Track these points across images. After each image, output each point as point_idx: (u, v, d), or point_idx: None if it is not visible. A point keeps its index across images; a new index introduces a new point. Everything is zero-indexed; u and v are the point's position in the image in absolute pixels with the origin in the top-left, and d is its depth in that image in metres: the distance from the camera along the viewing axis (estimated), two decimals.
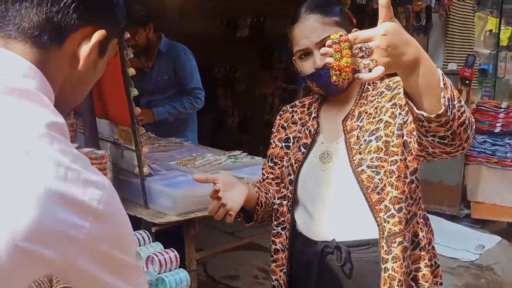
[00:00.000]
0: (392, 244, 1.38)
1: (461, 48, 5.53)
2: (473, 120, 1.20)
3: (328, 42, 1.04)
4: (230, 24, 6.74)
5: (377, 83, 1.52)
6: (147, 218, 2.27)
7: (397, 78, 1.39)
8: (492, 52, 7.05)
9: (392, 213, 1.39)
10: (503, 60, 7.00)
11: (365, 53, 1.01)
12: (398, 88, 1.42)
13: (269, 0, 6.01)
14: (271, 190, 1.66)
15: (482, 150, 4.78)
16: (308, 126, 1.58)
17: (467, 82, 4.68)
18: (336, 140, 1.51)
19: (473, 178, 4.81)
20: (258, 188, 1.62)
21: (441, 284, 1.54)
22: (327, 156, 1.51)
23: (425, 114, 1.10)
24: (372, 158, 1.40)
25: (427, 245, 1.48)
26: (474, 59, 4.82)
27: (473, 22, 5.72)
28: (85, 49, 0.83)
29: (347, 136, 1.47)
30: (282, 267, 1.58)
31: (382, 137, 1.41)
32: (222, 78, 7.08)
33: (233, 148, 3.28)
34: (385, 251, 1.39)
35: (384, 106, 1.44)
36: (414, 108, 1.12)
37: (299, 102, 1.69)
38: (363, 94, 1.51)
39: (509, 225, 4.85)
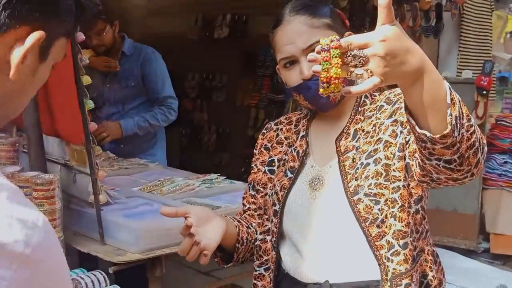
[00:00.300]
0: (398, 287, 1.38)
1: (477, 52, 5.62)
2: (484, 142, 1.21)
3: (317, 48, 1.04)
4: (207, 23, 6.79)
5: (375, 96, 1.53)
6: (104, 256, 2.24)
7: (399, 90, 1.38)
8: None
9: (397, 250, 1.39)
10: None
11: (359, 62, 1.01)
12: (400, 102, 1.42)
13: None
14: (253, 224, 1.66)
15: (503, 172, 4.82)
16: (296, 147, 1.59)
17: (485, 92, 4.75)
18: (328, 162, 1.52)
19: (492, 206, 4.84)
20: (238, 221, 1.62)
21: None
22: (318, 181, 1.51)
23: (428, 134, 1.10)
24: (371, 185, 1.41)
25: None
26: (492, 66, 4.89)
27: (491, 22, 5.83)
28: (16, 54, 0.79)
29: (341, 158, 1.48)
30: None
31: (381, 159, 1.42)
32: (196, 87, 7.11)
33: (208, 170, 3.28)
34: None
35: (383, 123, 1.45)
36: (416, 127, 1.12)
37: (285, 119, 1.70)
38: (360, 109, 1.52)
39: None
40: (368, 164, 1.43)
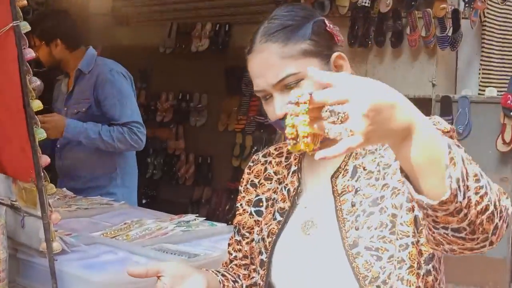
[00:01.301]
0: None
1: (502, 67, 5.64)
2: (505, 203, 1.18)
3: (288, 98, 1.03)
4: (183, 34, 6.85)
5: None
6: None
7: None
8: None
9: None
10: None
11: (338, 118, 0.97)
12: None
13: (235, 2, 6.12)
14: (241, 276, 1.66)
15: None
16: (287, 184, 1.60)
17: None
18: (324, 203, 1.52)
19: None
20: (223, 275, 1.63)
21: None
22: (312, 226, 1.51)
23: (425, 201, 1.08)
24: (373, 237, 1.40)
25: None
26: None
27: None
28: None
29: (338, 201, 1.48)
30: None
31: (387, 208, 1.41)
32: (171, 109, 7.11)
33: (185, 209, 3.28)
34: None
35: (390, 165, 1.44)
36: (413, 191, 1.10)
37: (275, 149, 1.71)
38: None
39: None
40: (372, 213, 1.42)
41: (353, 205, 1.46)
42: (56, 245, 2.32)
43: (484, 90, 5.25)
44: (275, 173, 1.65)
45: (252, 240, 1.63)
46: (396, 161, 1.36)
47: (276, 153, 1.69)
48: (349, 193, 1.47)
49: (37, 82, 2.29)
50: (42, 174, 2.26)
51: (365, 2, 5.38)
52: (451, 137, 1.30)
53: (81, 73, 3.65)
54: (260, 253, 1.57)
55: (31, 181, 2.30)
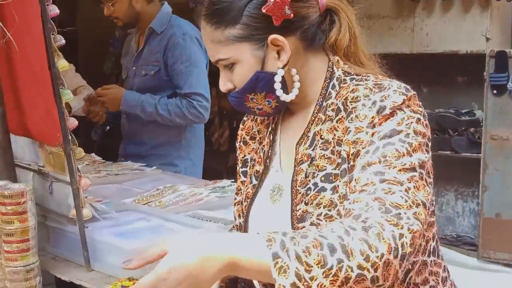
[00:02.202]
0: None
1: None
2: (383, 249, 1.20)
3: None
4: None
5: (345, 80, 1.51)
6: (90, 285, 2.27)
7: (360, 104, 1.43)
8: None
9: None
10: None
11: None
12: (356, 142, 1.42)
13: None
14: None
15: None
16: (264, 145, 1.63)
17: None
18: (289, 171, 1.54)
19: None
20: None
21: None
22: (278, 191, 1.55)
23: None
24: (320, 215, 1.43)
25: None
26: None
27: None
28: None
29: (295, 171, 1.51)
30: None
31: (339, 188, 1.43)
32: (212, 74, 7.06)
33: (220, 175, 3.29)
34: None
35: (342, 140, 1.45)
36: None
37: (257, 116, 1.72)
38: (324, 103, 1.52)
39: None
40: (324, 189, 1.44)
41: (306, 176, 1.48)
42: (86, 212, 2.35)
43: None
44: (258, 131, 1.68)
45: (239, 202, 1.69)
46: (347, 135, 1.43)
47: None
48: (305, 163, 1.49)
49: (62, 41, 2.30)
50: (70, 137, 2.27)
51: None
52: (408, 105, 1.39)
53: (153, 31, 3.62)
54: (239, 216, 1.63)
55: (59, 145, 2.32)
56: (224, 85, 1.53)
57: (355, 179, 1.35)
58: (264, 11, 1.44)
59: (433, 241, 1.53)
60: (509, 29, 5.39)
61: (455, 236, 5.69)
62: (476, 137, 5.21)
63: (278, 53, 1.49)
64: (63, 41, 2.30)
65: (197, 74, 3.58)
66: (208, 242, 1.20)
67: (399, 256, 1.19)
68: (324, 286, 1.15)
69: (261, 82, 1.48)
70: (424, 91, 5.82)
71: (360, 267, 1.16)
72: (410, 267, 1.46)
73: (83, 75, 4.19)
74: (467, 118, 5.44)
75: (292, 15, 1.46)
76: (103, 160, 3.57)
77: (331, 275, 1.15)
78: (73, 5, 6.57)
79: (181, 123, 3.58)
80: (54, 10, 2.26)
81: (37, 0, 2.21)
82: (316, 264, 1.15)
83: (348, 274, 1.16)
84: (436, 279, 1.54)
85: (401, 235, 1.21)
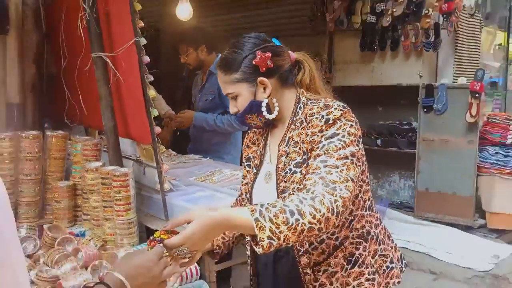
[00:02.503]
0: (318, 273, 1.48)
1: (470, 62, 5.49)
2: (332, 199, 1.27)
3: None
4: None
5: (307, 104, 1.52)
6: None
7: (315, 118, 1.46)
8: (502, 65, 7.00)
9: (315, 246, 1.47)
10: None
11: (183, 255, 1.23)
12: (312, 141, 1.45)
13: (280, 21, 6.02)
14: None
15: (495, 161, 4.72)
16: (260, 148, 1.64)
17: (477, 95, 4.64)
18: (274, 162, 1.56)
19: (487, 189, 4.74)
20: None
21: (398, 283, 1.59)
22: (269, 176, 1.56)
23: (257, 251, 1.23)
24: (294, 188, 1.46)
25: (369, 258, 1.53)
26: (483, 73, 4.78)
27: (480, 37, 5.69)
28: None
29: (278, 161, 1.53)
30: (250, 268, 1.70)
31: (303, 171, 1.45)
32: None
33: None
34: (313, 278, 1.49)
35: (304, 141, 1.47)
36: (253, 245, 1.26)
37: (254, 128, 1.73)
38: (294, 118, 1.53)
39: None
40: (295, 172, 1.46)
41: (284, 165, 1.50)
42: (166, 186, 2.37)
43: (457, 79, 5.13)
44: (257, 139, 1.68)
45: (246, 184, 1.69)
46: (307, 137, 1.46)
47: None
48: (283, 156, 1.51)
49: (151, 78, 2.30)
50: (156, 139, 2.28)
51: (372, 19, 5.28)
52: (344, 117, 1.43)
53: (211, 73, 3.56)
54: (246, 192, 1.65)
55: (149, 144, 2.34)
56: (232, 109, 1.55)
57: (309, 166, 1.40)
58: (254, 63, 1.48)
59: (368, 201, 1.54)
60: (434, 70, 5.36)
61: (399, 202, 5.66)
62: (413, 139, 5.18)
63: (264, 89, 1.51)
64: (152, 78, 2.30)
65: None
66: (216, 214, 1.24)
67: (335, 214, 1.25)
68: (288, 236, 1.22)
69: (254, 107, 1.51)
70: (380, 110, 5.81)
71: (310, 222, 1.23)
72: (352, 218, 1.50)
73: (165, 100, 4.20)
74: (407, 127, 5.42)
75: (272, 65, 1.50)
76: (175, 153, 3.58)
77: (292, 229, 1.22)
78: (157, 54, 6.63)
79: (229, 131, 3.54)
80: (146, 59, 2.28)
81: (136, 53, 2.24)
82: (282, 223, 1.21)
83: (303, 228, 1.23)
84: (370, 225, 1.54)
85: (336, 201, 1.26)
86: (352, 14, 5.46)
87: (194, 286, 1.79)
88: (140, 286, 1.05)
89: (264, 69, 1.48)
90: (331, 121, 1.41)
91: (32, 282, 1.79)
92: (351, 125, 1.42)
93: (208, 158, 3.46)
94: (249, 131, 1.74)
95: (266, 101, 1.50)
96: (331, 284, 1.48)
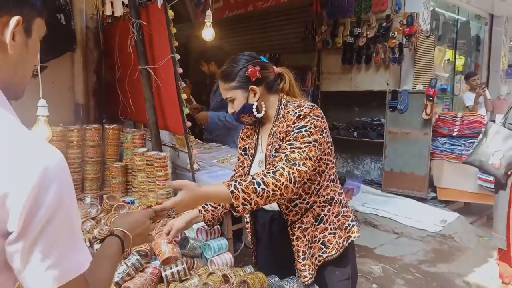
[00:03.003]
0: (294, 229, 1.48)
1: (425, 73, 5.43)
2: (291, 172, 1.30)
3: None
4: None
5: (286, 105, 1.50)
6: None
7: (290, 116, 1.43)
8: (450, 76, 6.93)
9: (290, 209, 1.47)
10: (458, 82, 6.89)
11: (171, 215, 1.27)
12: (286, 131, 1.43)
13: (282, 42, 5.97)
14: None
15: (444, 149, 4.69)
16: (253, 140, 1.61)
17: (431, 98, 4.59)
18: (265, 150, 1.54)
19: (437, 170, 4.71)
20: (203, 207, 1.64)
21: (358, 236, 1.56)
22: (262, 162, 1.54)
23: (238, 214, 1.27)
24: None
25: (333, 218, 1.51)
26: (436, 81, 4.72)
27: (433, 54, 5.63)
28: (6, 35, 0.73)
29: (266, 149, 1.52)
30: (249, 229, 1.68)
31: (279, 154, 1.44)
32: None
33: None
34: (291, 233, 1.48)
35: (281, 132, 1.46)
36: (232, 210, 1.29)
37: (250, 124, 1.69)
38: (278, 116, 1.51)
39: (465, 205, 4.74)
40: (274, 156, 1.45)
41: (269, 151, 1.49)
42: (195, 166, 2.39)
43: (415, 86, 5.06)
44: (250, 134, 1.64)
45: (243, 167, 1.64)
46: (284, 129, 1.44)
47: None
48: (270, 145, 1.50)
49: (183, 84, 2.31)
50: (187, 131, 2.30)
51: (351, 40, 5.23)
52: (312, 113, 1.40)
53: None
54: (245, 174, 1.60)
55: (182, 134, 2.35)
56: (230, 110, 1.52)
57: (280, 147, 1.41)
58: (247, 74, 1.47)
59: (333, 175, 1.52)
60: (398, 79, 5.30)
61: (370, 180, 5.61)
62: (381, 132, 5.13)
63: (254, 94, 1.49)
64: (184, 84, 2.31)
65: None
66: (201, 189, 1.27)
67: (292, 183, 1.30)
68: (257, 201, 1.27)
69: (247, 108, 1.49)
70: (356, 109, 5.74)
71: (273, 190, 1.28)
72: (320, 187, 1.49)
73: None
74: (377, 123, 5.34)
75: (260, 76, 1.49)
76: (202, 142, 3.57)
77: (259, 196, 1.27)
78: (186, 67, 6.59)
79: (235, 125, 3.39)
80: (179, 70, 2.28)
81: (172, 65, 2.23)
82: (252, 192, 1.26)
83: (268, 194, 1.27)
84: (334, 193, 1.52)
85: (293, 173, 1.30)
86: (335, 36, 5.40)
87: (216, 241, 1.80)
88: (136, 235, 1.07)
89: (254, 79, 1.47)
90: (301, 116, 1.41)
91: (95, 237, 1.81)
92: (317, 119, 1.41)
93: (226, 145, 3.45)
94: (243, 128, 1.71)
95: (256, 104, 1.48)
96: (304, 237, 1.48)
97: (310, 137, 1.37)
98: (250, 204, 1.26)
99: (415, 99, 4.73)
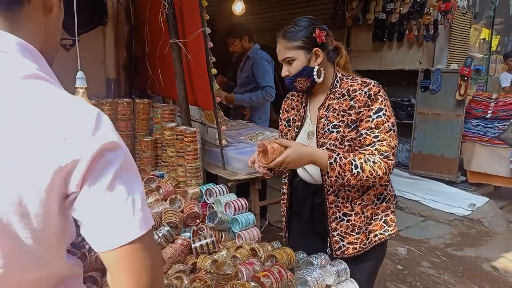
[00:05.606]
0: (354, 205, 1.47)
1: (460, 52, 5.19)
2: (385, 165, 1.36)
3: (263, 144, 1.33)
4: None
5: (343, 79, 1.46)
6: (225, 176, 2.29)
7: (358, 93, 1.40)
8: (485, 56, 6.61)
9: (352, 186, 1.46)
10: (493, 62, 6.57)
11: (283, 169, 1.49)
12: (360, 113, 1.40)
13: None
14: None
15: (476, 131, 4.51)
16: (300, 112, 1.57)
17: (466, 78, 4.39)
18: (315, 123, 1.50)
19: (468, 153, 4.56)
20: None
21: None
22: (311, 134, 1.51)
23: (329, 183, 1.39)
24: (330, 144, 1.43)
25: (392, 197, 1.53)
26: (471, 61, 4.50)
27: (469, 32, 5.35)
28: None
29: (318, 122, 1.47)
30: (285, 203, 1.67)
31: (340, 132, 1.42)
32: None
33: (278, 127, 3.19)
34: (351, 209, 1.48)
35: (346, 111, 1.42)
36: (325, 177, 1.40)
37: (296, 92, 1.64)
38: (333, 90, 1.47)
39: (495, 189, 4.59)
40: (332, 132, 1.43)
41: (323, 125, 1.46)
42: (223, 142, 2.37)
43: (450, 65, 4.85)
44: (296, 105, 1.60)
45: (287, 138, 1.60)
46: (350, 110, 1.42)
47: (296, 94, 1.62)
48: (323, 119, 1.46)
49: (213, 59, 2.27)
50: (217, 106, 2.28)
51: (383, 16, 5.02)
52: (381, 91, 1.41)
53: (248, 57, 3.50)
54: None
55: (211, 110, 2.33)
56: (284, 73, 1.46)
57: (364, 137, 1.39)
58: (314, 35, 1.42)
59: None
60: (431, 57, 5.08)
61: (397, 162, 5.49)
62: (411, 112, 4.98)
63: (316, 58, 1.44)
64: (214, 60, 2.26)
65: (268, 76, 3.46)
66: (307, 149, 1.35)
67: (386, 175, 1.37)
68: (350, 179, 1.35)
69: (306, 71, 1.43)
70: (385, 89, 5.53)
71: (367, 177, 1.35)
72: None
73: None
74: (407, 103, 5.19)
75: (326, 40, 1.44)
76: (229, 119, 3.56)
77: (353, 176, 1.34)
78: (213, 42, 6.49)
79: (260, 103, 3.48)
80: (210, 44, 2.24)
81: (203, 39, 2.20)
82: (348, 171, 1.34)
83: (361, 178, 1.35)
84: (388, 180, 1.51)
85: (388, 166, 1.36)
86: (367, 12, 5.19)
87: (244, 216, 1.80)
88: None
89: (320, 41, 1.42)
90: (373, 96, 1.38)
91: None
92: (387, 99, 1.41)
93: (253, 123, 3.42)
94: (285, 99, 1.66)
95: (317, 67, 1.43)
96: (363, 213, 1.48)
97: (389, 121, 1.38)
98: (343, 179, 1.35)
99: (449, 79, 4.54)
